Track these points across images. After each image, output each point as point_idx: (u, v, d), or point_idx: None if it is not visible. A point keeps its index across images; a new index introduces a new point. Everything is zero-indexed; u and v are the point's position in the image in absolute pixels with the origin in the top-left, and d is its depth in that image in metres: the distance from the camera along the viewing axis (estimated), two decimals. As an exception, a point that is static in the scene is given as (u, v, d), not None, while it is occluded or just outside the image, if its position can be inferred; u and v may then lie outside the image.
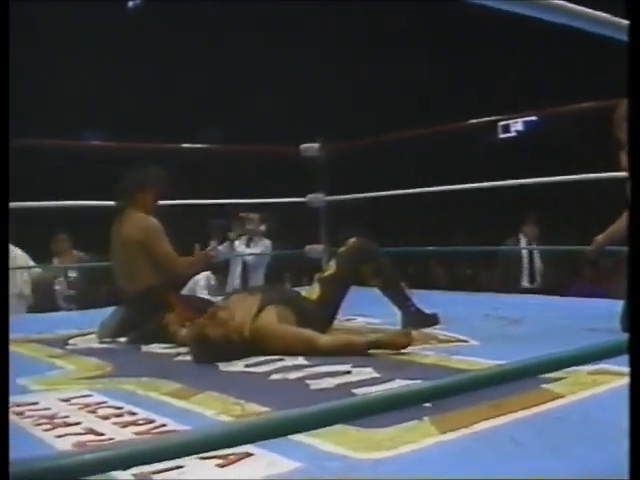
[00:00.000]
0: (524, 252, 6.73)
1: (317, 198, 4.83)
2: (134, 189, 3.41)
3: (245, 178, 9.12)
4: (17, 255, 5.09)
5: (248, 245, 6.16)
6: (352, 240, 3.26)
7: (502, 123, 11.55)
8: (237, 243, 6.10)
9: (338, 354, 2.59)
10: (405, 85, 12.36)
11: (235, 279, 6.08)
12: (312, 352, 2.63)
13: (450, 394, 1.15)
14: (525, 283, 6.71)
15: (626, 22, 1.21)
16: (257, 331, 2.74)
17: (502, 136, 12.40)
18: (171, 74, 12.84)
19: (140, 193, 3.40)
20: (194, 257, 3.45)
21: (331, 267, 3.21)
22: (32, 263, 5.25)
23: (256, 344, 2.71)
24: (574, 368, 1.78)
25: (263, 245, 6.21)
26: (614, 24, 1.28)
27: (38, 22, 11.13)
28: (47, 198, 4.32)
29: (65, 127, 9.68)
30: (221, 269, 6.19)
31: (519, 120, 11.79)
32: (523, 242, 6.91)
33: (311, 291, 3.14)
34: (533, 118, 10.13)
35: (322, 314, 3.04)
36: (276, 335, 2.73)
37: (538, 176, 4.20)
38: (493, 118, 5.96)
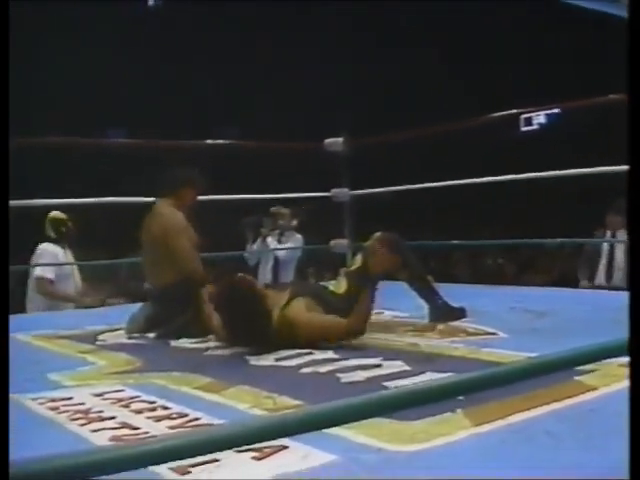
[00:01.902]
0: (605, 245, 5.95)
1: (341, 192, 4.84)
2: (176, 184, 3.45)
3: (269, 174, 9.15)
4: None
5: (280, 240, 6.18)
6: (377, 234, 3.26)
7: (524, 116, 11.49)
8: (269, 239, 6.12)
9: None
10: (427, 81, 12.33)
11: (267, 274, 6.10)
12: (337, 336, 2.71)
13: (483, 387, 1.15)
14: (601, 280, 5.96)
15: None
16: (285, 318, 2.77)
17: (524, 129, 12.34)
18: (190, 73, 12.88)
19: (181, 189, 3.45)
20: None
21: (357, 261, 3.22)
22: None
23: (284, 332, 2.73)
24: (605, 360, 1.77)
25: (295, 240, 6.22)
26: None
27: (58, 22, 11.22)
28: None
29: (81, 125, 9.77)
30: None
31: (541, 113, 11.73)
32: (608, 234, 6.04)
33: (338, 285, 3.15)
34: (556, 110, 10.06)
35: (349, 308, 3.04)
36: (304, 323, 2.76)
37: (563, 169, 4.17)
38: (515, 111, 5.90)
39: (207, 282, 3.23)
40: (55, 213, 4.99)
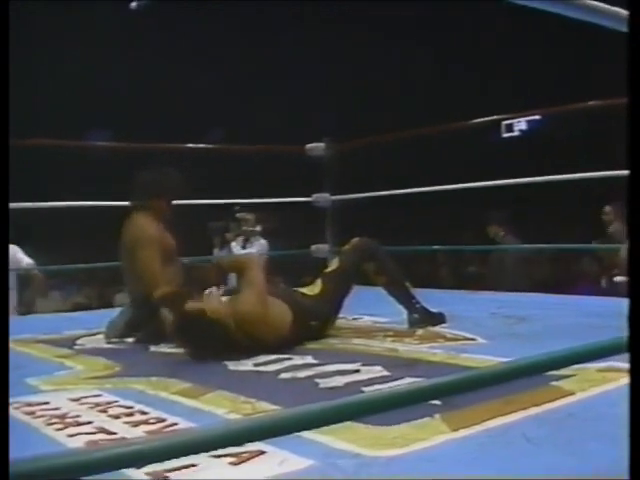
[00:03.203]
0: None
1: (323, 197, 4.84)
2: (148, 194, 3.38)
3: (250, 178, 9.13)
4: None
5: (244, 246, 6.19)
6: (355, 239, 3.33)
7: (506, 122, 11.54)
8: (233, 244, 6.13)
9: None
10: (408, 84, 12.37)
11: (232, 279, 6.12)
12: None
13: (460, 391, 1.15)
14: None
15: (625, 12, 1.20)
16: (236, 313, 2.72)
17: (505, 135, 12.39)
18: (173, 75, 12.85)
19: (154, 199, 3.38)
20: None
21: (333, 264, 3.27)
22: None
23: (240, 327, 2.70)
24: (582, 365, 1.78)
25: (259, 245, 6.23)
26: (614, 14, 1.27)
27: (44, 23, 11.17)
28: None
29: (67, 127, 9.71)
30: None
31: (522, 119, 11.78)
32: None
33: (312, 287, 3.16)
34: (537, 117, 10.12)
35: (321, 309, 3.04)
36: (252, 307, 2.74)
37: (548, 174, 4.21)
38: (496, 117, 5.94)
39: (165, 302, 3.00)
40: None
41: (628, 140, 1.11)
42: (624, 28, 1.18)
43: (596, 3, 1.26)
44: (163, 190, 3.41)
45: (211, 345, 2.68)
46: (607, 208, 6.49)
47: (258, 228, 6.28)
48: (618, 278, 6.11)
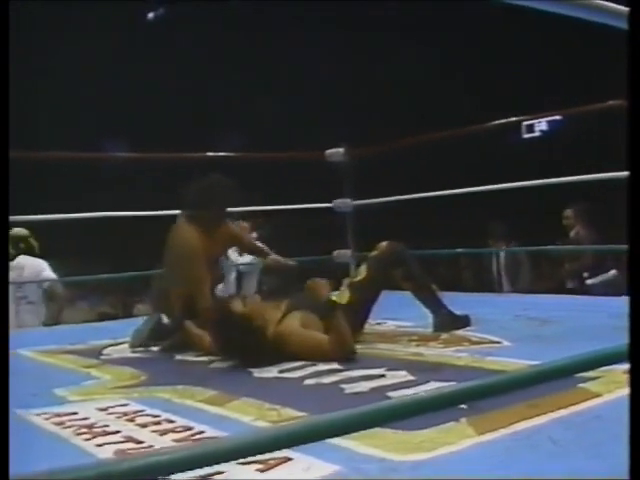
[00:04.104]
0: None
1: (344, 203, 4.85)
2: (196, 205, 3.32)
3: (270, 186, 9.15)
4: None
5: (241, 254, 6.24)
6: (383, 244, 3.24)
7: (526, 123, 11.46)
8: (230, 252, 6.17)
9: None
10: (428, 88, 12.34)
11: (230, 285, 6.23)
12: (325, 356, 2.64)
13: (487, 395, 1.15)
14: None
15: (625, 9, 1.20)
16: (280, 335, 2.75)
17: (526, 136, 12.32)
18: (191, 83, 12.92)
19: (202, 209, 3.31)
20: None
21: (361, 272, 3.20)
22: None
23: (279, 348, 2.72)
24: (608, 367, 1.77)
25: None
26: (614, 11, 1.27)
27: (59, 31, 11.28)
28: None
29: (83, 137, 9.80)
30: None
31: (543, 120, 11.71)
32: None
33: (341, 296, 3.14)
34: (557, 117, 10.05)
35: (351, 319, 3.02)
36: (297, 340, 2.73)
37: (566, 175, 4.17)
38: (517, 119, 5.91)
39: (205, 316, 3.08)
40: (17, 230, 4.98)
41: (628, 140, 1.11)
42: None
43: (601, 2, 1.26)
44: (212, 200, 3.33)
45: (242, 350, 2.69)
46: (567, 212, 6.59)
47: (254, 235, 6.32)
48: (590, 280, 6.35)
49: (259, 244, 3.75)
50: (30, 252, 5.10)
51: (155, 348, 3.29)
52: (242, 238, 4.00)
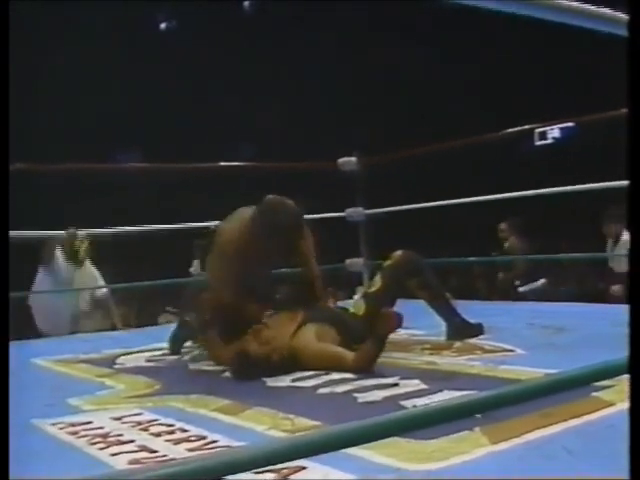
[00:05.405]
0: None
1: (356, 212, 4.85)
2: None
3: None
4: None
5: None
6: (397, 253, 3.19)
7: (538, 130, 11.45)
8: None
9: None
10: (441, 97, 12.35)
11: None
12: (343, 369, 2.61)
13: (501, 405, 1.15)
14: None
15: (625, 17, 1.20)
16: (294, 349, 2.74)
17: (538, 143, 12.31)
18: (204, 93, 12.97)
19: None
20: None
21: (376, 282, 3.16)
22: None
23: (294, 362, 2.71)
24: (622, 376, 1.76)
25: None
26: (615, 19, 1.26)
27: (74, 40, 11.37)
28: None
29: (95, 148, 9.86)
30: None
31: (555, 127, 11.69)
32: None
33: (357, 307, 3.12)
34: (570, 124, 10.03)
35: (366, 332, 2.99)
36: (311, 354, 2.72)
37: (583, 183, 4.16)
38: (529, 126, 5.90)
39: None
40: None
41: (628, 147, 1.11)
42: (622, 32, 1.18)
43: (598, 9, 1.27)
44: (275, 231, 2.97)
45: (262, 372, 2.67)
46: (502, 225, 7.16)
47: None
48: (522, 288, 6.84)
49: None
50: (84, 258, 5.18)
51: (171, 357, 3.29)
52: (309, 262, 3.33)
